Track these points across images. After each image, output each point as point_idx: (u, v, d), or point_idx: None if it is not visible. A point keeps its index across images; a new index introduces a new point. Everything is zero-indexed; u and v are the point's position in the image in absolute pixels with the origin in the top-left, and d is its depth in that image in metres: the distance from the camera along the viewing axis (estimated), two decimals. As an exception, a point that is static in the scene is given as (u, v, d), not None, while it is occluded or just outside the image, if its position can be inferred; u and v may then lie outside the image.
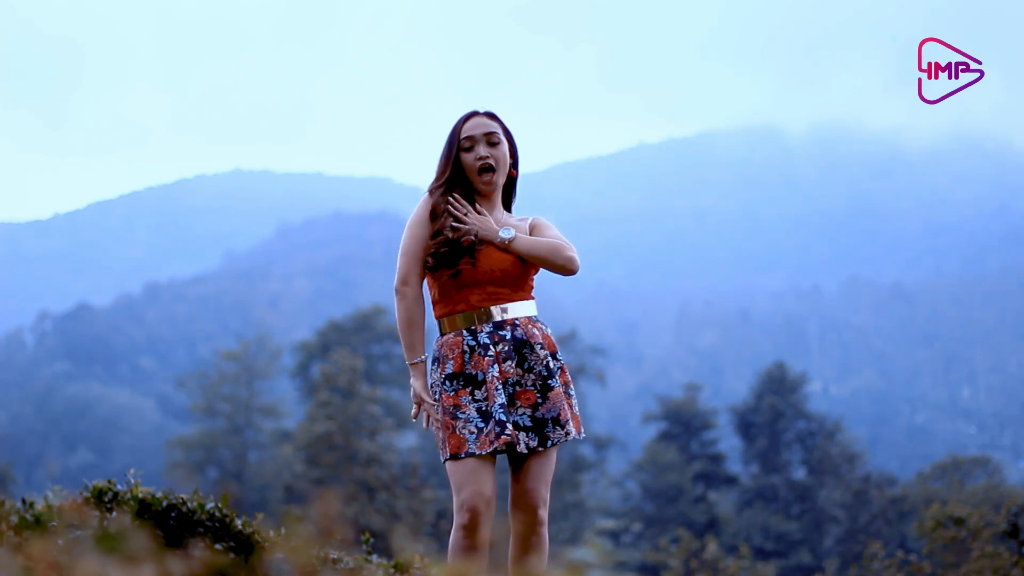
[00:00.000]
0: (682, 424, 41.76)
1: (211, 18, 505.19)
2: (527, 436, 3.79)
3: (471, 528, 3.73)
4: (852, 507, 36.00)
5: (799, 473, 40.86)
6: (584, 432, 3.97)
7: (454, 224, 3.91)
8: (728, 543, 32.04)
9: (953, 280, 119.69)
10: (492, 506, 3.77)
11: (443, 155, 4.06)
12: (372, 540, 5.02)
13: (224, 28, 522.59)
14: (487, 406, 3.79)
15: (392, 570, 4.49)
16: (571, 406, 3.91)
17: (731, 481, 41.32)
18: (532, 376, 3.84)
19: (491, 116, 4.06)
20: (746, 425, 41.43)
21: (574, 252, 3.93)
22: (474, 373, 3.82)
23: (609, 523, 41.61)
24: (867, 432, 70.31)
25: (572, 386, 3.96)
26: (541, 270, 4.06)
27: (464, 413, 3.79)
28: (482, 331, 3.86)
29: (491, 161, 3.98)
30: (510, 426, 3.73)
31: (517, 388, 3.83)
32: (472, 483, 3.74)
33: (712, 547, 19.66)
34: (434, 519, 26.33)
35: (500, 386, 3.79)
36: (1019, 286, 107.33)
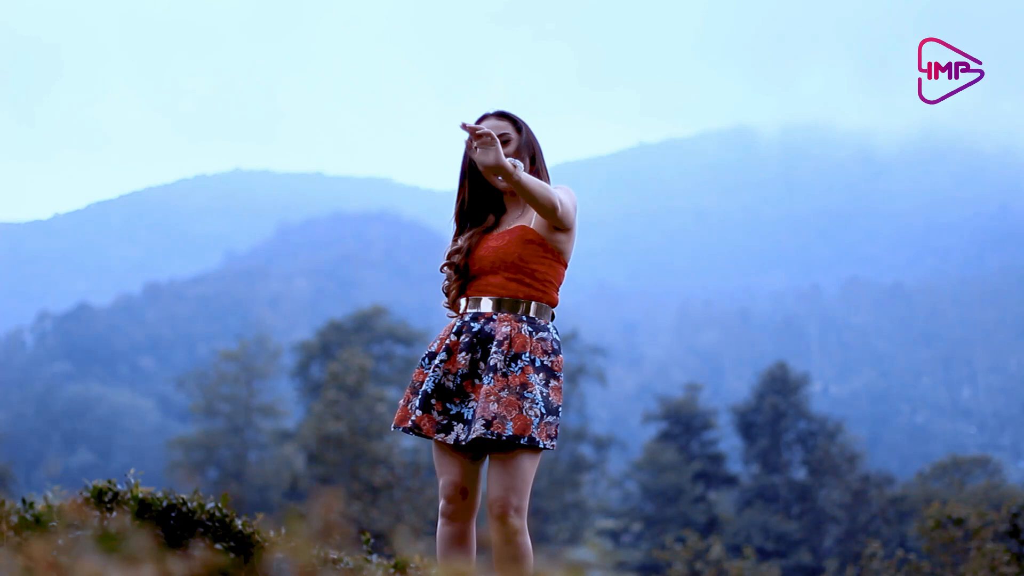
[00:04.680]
0: (682, 424, 41.77)
1: (204, 17, 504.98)
2: (460, 426, 3.77)
3: (446, 514, 3.80)
4: (852, 507, 36.00)
5: (799, 473, 40.85)
6: (532, 439, 3.64)
7: (480, 145, 3.70)
8: (728, 543, 32.03)
9: (953, 280, 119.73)
10: (468, 494, 3.79)
11: (460, 169, 4.03)
12: (372, 540, 5.03)
13: (218, 28, 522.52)
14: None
15: (392, 570, 4.49)
16: (518, 407, 3.67)
17: (731, 481, 41.34)
18: (486, 373, 3.79)
19: (500, 115, 4.00)
20: (747, 425, 41.44)
21: (562, 198, 3.80)
22: None
23: (609, 523, 41.64)
24: (867, 432, 70.30)
25: (536, 392, 3.71)
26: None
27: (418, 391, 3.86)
28: (464, 319, 3.88)
29: None
30: (418, 412, 3.76)
31: (474, 381, 3.79)
32: (443, 471, 3.80)
33: (717, 548, 19.65)
34: (436, 518, 26.30)
35: (434, 374, 3.80)
36: (1019, 286, 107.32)
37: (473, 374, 3.80)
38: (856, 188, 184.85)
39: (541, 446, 3.68)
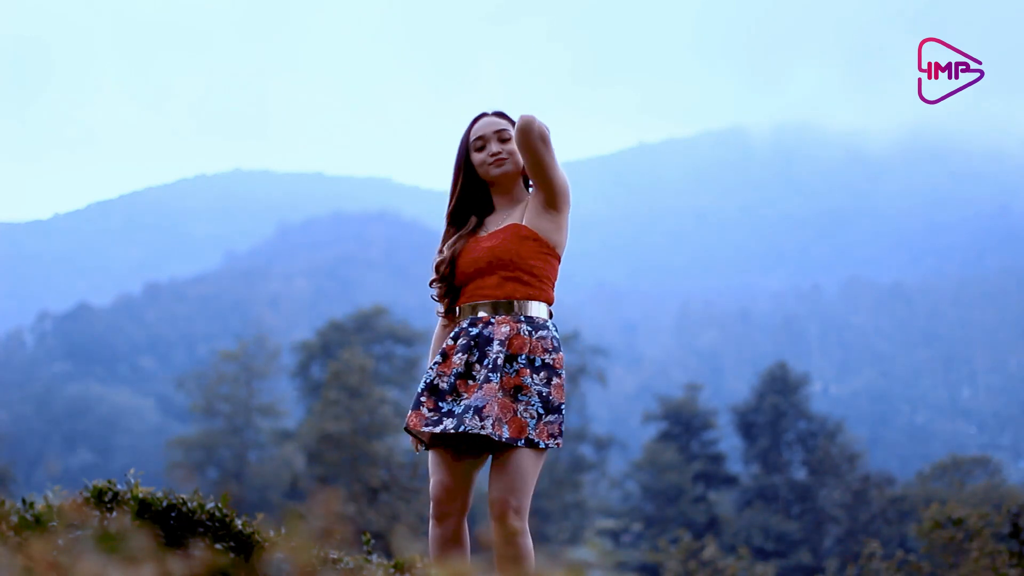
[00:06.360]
0: (682, 424, 41.77)
1: (202, 17, 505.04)
2: (449, 420, 3.72)
3: (436, 516, 3.77)
4: (852, 507, 35.99)
5: (799, 473, 40.85)
6: (529, 440, 3.66)
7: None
8: (728, 543, 32.03)
9: (953, 280, 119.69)
10: (456, 496, 3.75)
11: (455, 166, 4.06)
12: (372, 540, 5.02)
13: (217, 27, 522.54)
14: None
15: (392, 570, 4.49)
16: (513, 410, 3.69)
17: (731, 481, 41.33)
18: (485, 372, 3.77)
19: (500, 115, 4.05)
20: (747, 425, 41.44)
21: (560, 171, 3.88)
22: None
23: (609, 523, 41.61)
24: (867, 432, 70.30)
25: (532, 393, 3.72)
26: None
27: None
28: (462, 325, 3.89)
29: (503, 155, 3.96)
30: (425, 412, 3.76)
31: (467, 381, 3.77)
32: (434, 472, 3.79)
33: (711, 547, 19.60)
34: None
35: (427, 375, 3.83)
36: (1019, 286, 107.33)
37: (467, 374, 3.79)
38: (856, 188, 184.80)
39: (541, 446, 3.69)
